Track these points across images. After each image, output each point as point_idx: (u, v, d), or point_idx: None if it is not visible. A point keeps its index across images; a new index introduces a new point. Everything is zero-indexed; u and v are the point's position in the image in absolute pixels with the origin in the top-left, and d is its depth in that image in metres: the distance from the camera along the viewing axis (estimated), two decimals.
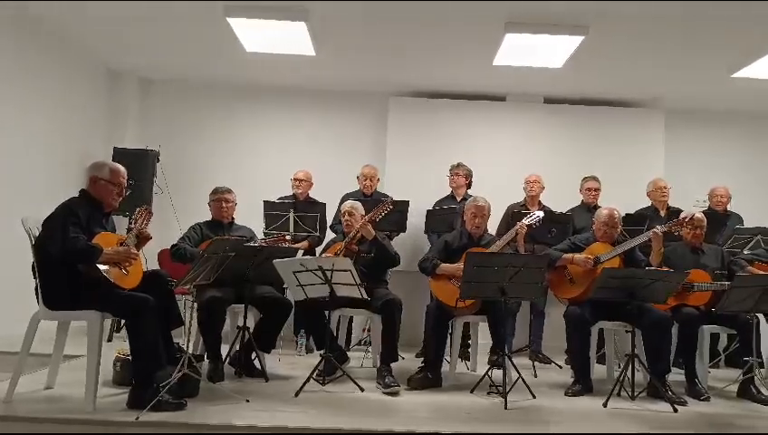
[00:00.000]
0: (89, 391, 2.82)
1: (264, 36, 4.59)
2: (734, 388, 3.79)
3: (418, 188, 5.28)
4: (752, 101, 5.87)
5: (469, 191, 5.12)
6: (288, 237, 4.26)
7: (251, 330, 3.72)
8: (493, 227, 4.76)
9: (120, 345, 3.73)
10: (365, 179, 5.07)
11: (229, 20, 4.29)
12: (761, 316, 4.08)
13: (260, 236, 4.40)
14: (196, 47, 5.13)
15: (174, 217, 5.16)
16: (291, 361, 4.30)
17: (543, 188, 5.12)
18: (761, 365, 3.81)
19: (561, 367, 4.56)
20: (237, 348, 3.75)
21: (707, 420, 3.19)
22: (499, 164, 5.70)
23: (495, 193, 4.97)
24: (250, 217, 4.41)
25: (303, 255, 4.59)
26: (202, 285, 3.38)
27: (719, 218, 4.97)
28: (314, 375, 3.48)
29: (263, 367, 3.72)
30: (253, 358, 3.76)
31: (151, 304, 2.88)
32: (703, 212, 4.60)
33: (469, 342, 4.38)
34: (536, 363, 4.46)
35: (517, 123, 5.94)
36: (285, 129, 6.09)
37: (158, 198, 5.36)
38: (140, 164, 5.19)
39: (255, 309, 3.83)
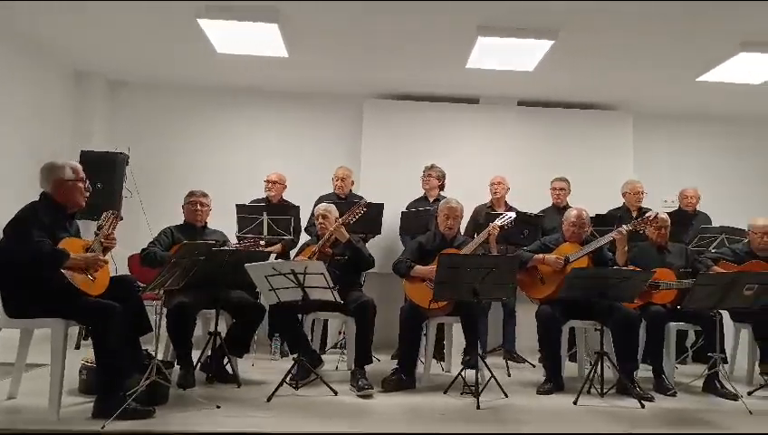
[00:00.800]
0: (52, 400, 2.76)
1: (235, 37, 4.54)
2: (700, 383, 3.90)
3: (394, 190, 5.27)
4: (717, 103, 6.02)
5: (443, 193, 5.15)
6: (262, 243, 4.22)
7: (223, 335, 3.68)
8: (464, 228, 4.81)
9: (87, 353, 3.64)
10: (338, 181, 5.07)
11: (200, 21, 4.24)
12: (725, 313, 4.20)
13: (233, 240, 4.37)
14: (167, 48, 5.06)
15: (144, 220, 5.07)
16: (265, 365, 4.27)
17: (508, 189, 5.17)
18: (724, 361, 3.91)
19: (534, 366, 4.61)
20: (209, 354, 3.71)
21: (673, 415, 3.27)
22: (473, 165, 5.73)
23: (470, 194, 5.03)
24: (222, 221, 4.35)
25: (277, 258, 4.56)
26: (172, 290, 3.33)
27: (686, 218, 5.08)
28: (287, 379, 3.46)
29: (235, 372, 3.68)
30: (225, 363, 3.72)
31: (117, 311, 2.82)
32: (670, 212, 4.70)
33: (444, 342, 4.41)
34: (510, 363, 4.52)
35: (491, 125, 5.98)
36: (259, 131, 6.04)
37: (128, 202, 5.26)
38: (109, 167, 5.09)
39: (227, 314, 3.80)
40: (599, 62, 5.05)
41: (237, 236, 4.49)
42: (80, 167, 3.10)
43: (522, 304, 4.84)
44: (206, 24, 4.27)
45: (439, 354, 4.46)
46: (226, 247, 3.68)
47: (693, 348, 4.97)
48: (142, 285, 3.16)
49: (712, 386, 3.81)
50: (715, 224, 5.15)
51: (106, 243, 3.02)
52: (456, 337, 4.21)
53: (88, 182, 3.12)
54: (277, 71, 5.41)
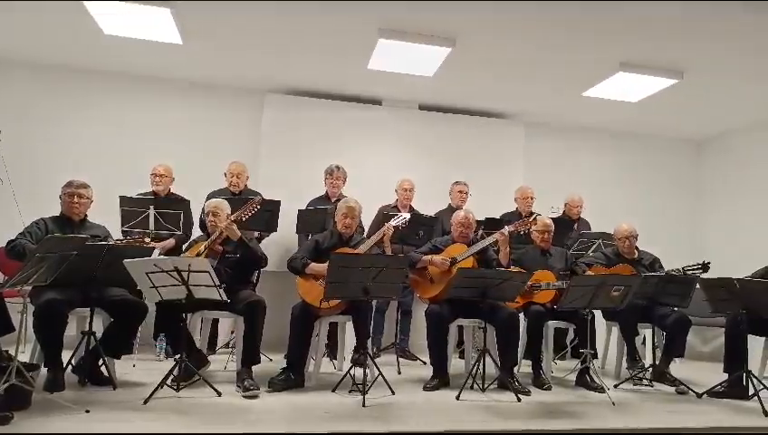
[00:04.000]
0: None
1: (124, 20, 4.29)
2: (574, 377, 4.17)
3: (293, 188, 5.22)
4: (600, 118, 6.50)
5: (343, 193, 5.15)
6: (148, 240, 4.00)
7: (98, 335, 3.46)
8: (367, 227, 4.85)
9: None
10: (231, 177, 4.92)
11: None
12: (599, 312, 4.54)
13: (117, 236, 4.11)
14: (46, 26, 4.65)
15: (17, 210, 4.65)
16: (148, 366, 4.06)
17: (414, 191, 5.28)
18: (594, 356, 4.21)
19: (425, 363, 4.71)
20: (82, 355, 3.47)
21: (544, 407, 3.47)
22: (374, 166, 5.81)
23: (370, 194, 5.08)
24: (103, 214, 4.08)
25: (168, 254, 4.35)
26: (40, 287, 3.09)
27: (569, 224, 5.43)
28: (168, 381, 3.32)
29: (110, 374, 3.47)
30: (100, 365, 3.50)
31: None
32: (555, 218, 5.01)
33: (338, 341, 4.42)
34: (402, 360, 4.62)
35: (393, 127, 6.08)
36: (150, 120, 5.72)
37: None
38: None
39: (106, 313, 3.57)
40: (493, 72, 5.28)
41: (123, 231, 4.24)
42: None
43: (419, 303, 4.96)
44: (90, 3, 3.99)
45: (333, 353, 4.47)
46: (101, 242, 3.44)
47: (572, 344, 5.33)
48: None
49: (583, 380, 4.10)
50: (595, 229, 5.56)
51: None
52: (350, 336, 4.23)
53: None
54: (171, 58, 5.17)
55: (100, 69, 5.56)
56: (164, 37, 4.58)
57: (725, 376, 3.99)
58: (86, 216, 3.86)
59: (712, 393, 3.94)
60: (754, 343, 4.16)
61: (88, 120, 5.58)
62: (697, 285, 4.07)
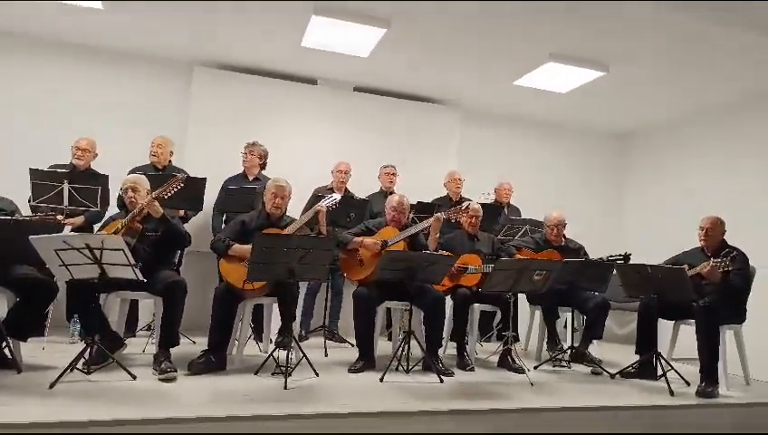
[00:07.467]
0: None
1: None
2: (496, 359, 4.29)
3: (222, 166, 5.05)
4: (532, 107, 6.64)
5: (264, 172, 5.04)
6: (60, 217, 3.77)
7: (1, 316, 3.24)
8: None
9: None
10: (152, 147, 4.70)
11: None
12: (523, 297, 4.67)
13: (26, 211, 3.85)
14: None
15: None
16: (59, 349, 3.85)
17: (350, 174, 5.25)
18: (516, 339, 4.34)
19: (353, 346, 4.70)
20: None
21: (465, 387, 3.55)
22: (308, 146, 5.72)
23: (303, 175, 4.99)
24: (16, 189, 3.81)
25: (76, 232, 4.12)
26: None
27: (496, 210, 5.55)
28: (79, 365, 3.15)
29: (14, 357, 3.26)
30: (3, 347, 3.28)
31: None
32: (485, 203, 5.10)
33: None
34: (330, 343, 4.60)
35: (327, 108, 5.99)
36: (67, 89, 5.36)
37: None
38: None
39: (10, 292, 3.35)
40: (428, 57, 5.27)
41: (32, 206, 3.97)
42: None
43: (351, 286, 4.93)
44: None
45: (259, 335, 4.39)
46: (5, 217, 3.22)
47: (497, 327, 5.48)
48: None
49: (505, 361, 4.22)
50: (525, 216, 5.71)
51: None
52: (276, 318, 4.17)
53: None
54: (90, 24, 4.85)
55: (7, 30, 5.12)
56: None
57: (637, 357, 4.19)
58: None
59: (624, 374, 4.14)
60: (664, 327, 4.39)
61: None
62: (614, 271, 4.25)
